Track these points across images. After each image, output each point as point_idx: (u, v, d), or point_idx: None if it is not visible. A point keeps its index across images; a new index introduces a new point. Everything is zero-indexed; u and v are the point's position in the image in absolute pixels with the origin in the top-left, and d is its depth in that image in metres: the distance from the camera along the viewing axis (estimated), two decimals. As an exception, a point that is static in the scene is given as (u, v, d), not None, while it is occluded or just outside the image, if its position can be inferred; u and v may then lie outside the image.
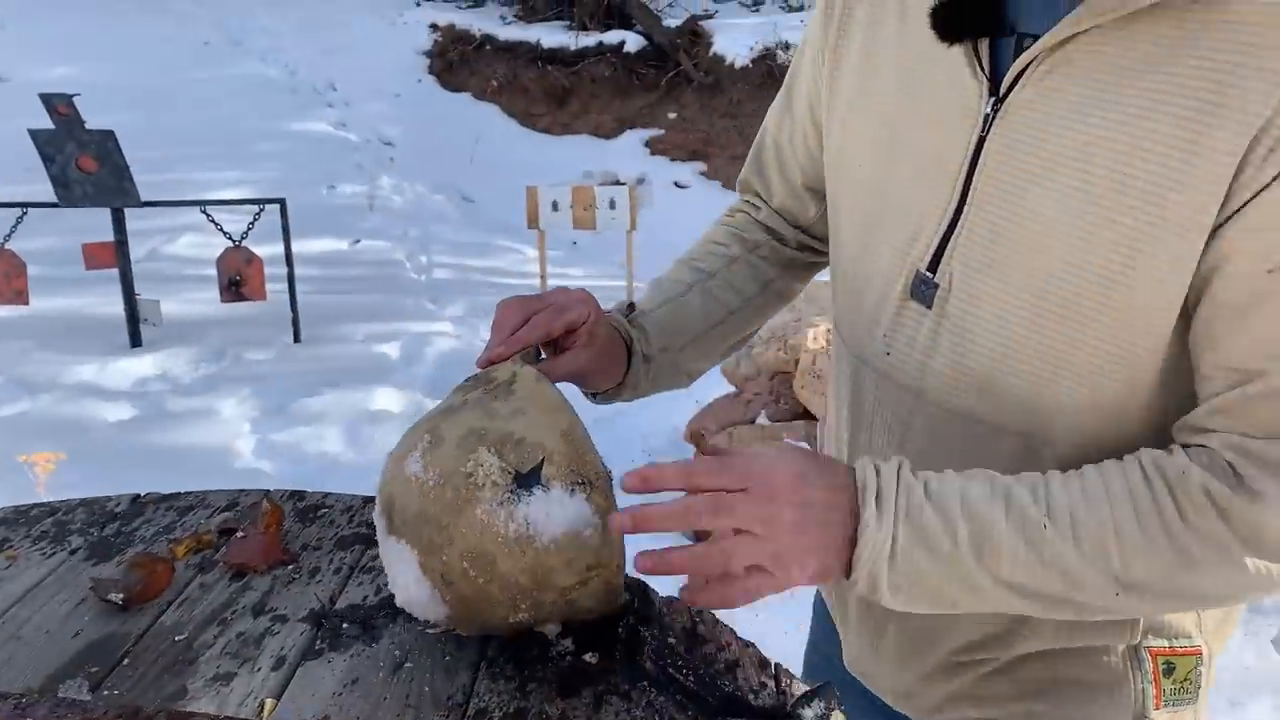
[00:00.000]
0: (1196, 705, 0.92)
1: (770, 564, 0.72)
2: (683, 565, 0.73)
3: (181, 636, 0.89)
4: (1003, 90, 0.79)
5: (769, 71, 8.35)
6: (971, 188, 0.81)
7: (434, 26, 10.29)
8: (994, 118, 0.79)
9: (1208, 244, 0.70)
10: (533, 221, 6.53)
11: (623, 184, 6.26)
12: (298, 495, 1.15)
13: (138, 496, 1.15)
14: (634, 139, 8.80)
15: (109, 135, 4.96)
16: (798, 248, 1.12)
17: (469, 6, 11.30)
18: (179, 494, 1.15)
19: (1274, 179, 0.67)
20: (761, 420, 3.44)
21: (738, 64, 8.71)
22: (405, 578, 0.81)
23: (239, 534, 1.03)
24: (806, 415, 3.40)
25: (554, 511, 0.77)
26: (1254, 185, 0.67)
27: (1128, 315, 0.75)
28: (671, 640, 0.84)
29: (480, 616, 0.81)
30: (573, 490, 0.78)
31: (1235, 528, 0.71)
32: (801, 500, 0.72)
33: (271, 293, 5.11)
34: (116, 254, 4.92)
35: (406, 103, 9.55)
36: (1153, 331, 0.75)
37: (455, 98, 9.63)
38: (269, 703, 0.80)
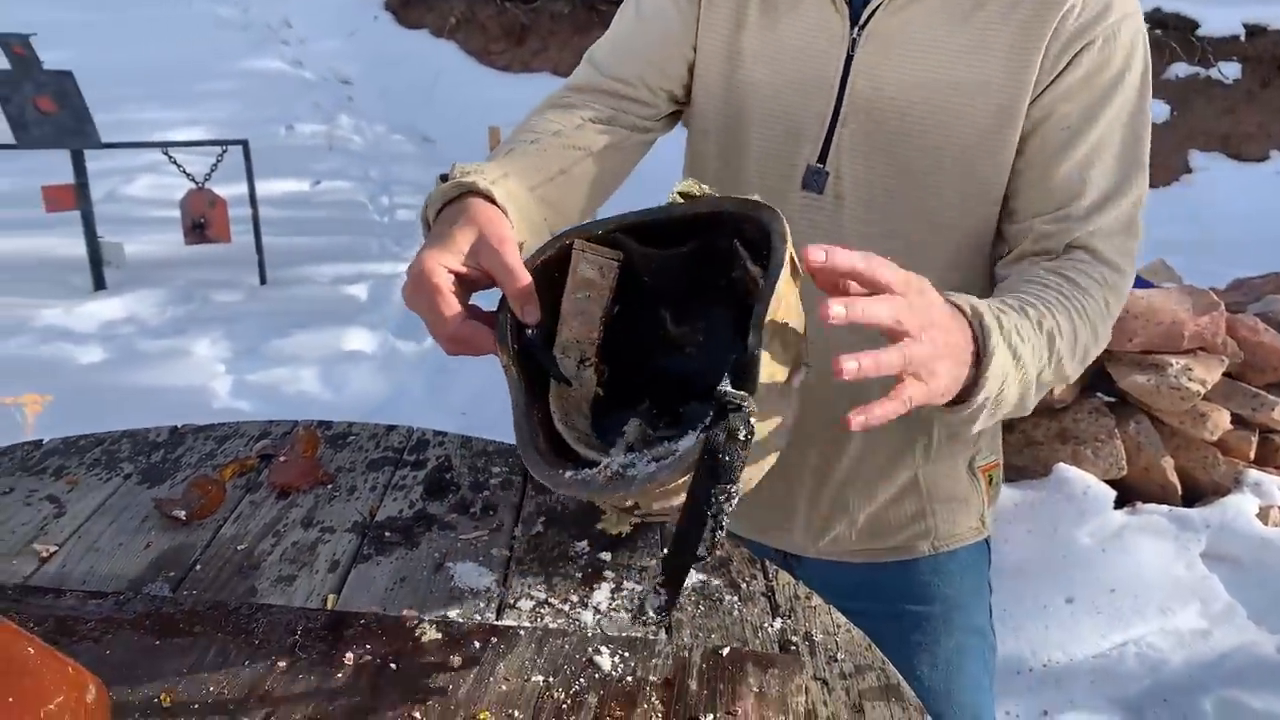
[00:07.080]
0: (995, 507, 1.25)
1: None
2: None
3: (242, 546, 1.00)
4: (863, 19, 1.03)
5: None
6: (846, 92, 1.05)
7: (388, -39, 10.12)
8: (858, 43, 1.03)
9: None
10: (495, 162, 6.53)
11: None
12: (324, 424, 1.26)
13: (175, 428, 1.25)
14: (594, 78, 8.74)
15: (67, 76, 4.90)
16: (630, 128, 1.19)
17: (422, -59, 11.09)
18: (214, 425, 1.26)
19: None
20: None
21: None
22: None
23: (280, 458, 1.14)
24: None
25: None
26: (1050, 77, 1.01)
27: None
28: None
29: None
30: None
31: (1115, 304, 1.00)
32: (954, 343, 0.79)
33: (234, 234, 5.14)
34: (77, 196, 4.89)
35: (363, 40, 9.42)
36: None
37: (412, 35, 9.52)
38: (331, 598, 0.92)
